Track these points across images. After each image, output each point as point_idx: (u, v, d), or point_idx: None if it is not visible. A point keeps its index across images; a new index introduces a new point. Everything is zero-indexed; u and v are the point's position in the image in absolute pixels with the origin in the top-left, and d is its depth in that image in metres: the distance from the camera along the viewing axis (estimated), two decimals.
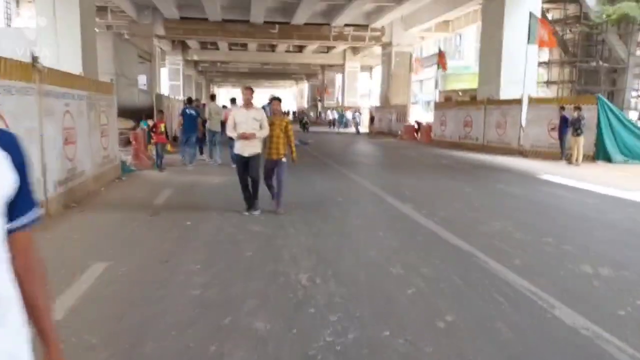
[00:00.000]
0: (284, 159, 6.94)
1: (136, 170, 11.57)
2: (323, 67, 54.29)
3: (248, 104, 6.82)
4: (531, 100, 17.51)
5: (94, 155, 8.82)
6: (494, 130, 19.34)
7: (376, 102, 51.18)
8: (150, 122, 12.78)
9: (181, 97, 40.73)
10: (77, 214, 6.84)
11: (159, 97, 18.31)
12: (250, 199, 6.92)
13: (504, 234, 5.90)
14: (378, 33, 33.81)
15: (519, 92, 17.97)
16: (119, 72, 22.17)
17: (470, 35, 53.44)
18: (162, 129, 11.82)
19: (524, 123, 17.49)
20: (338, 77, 54.57)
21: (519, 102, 17.73)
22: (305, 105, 67.82)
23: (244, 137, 6.65)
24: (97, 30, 26.17)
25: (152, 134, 11.79)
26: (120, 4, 28.52)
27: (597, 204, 8.18)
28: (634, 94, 22.64)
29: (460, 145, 20.92)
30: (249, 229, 6.04)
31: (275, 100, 7.25)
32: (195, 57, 47.45)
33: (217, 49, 44.77)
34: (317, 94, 60.35)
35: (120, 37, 24.09)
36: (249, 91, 6.90)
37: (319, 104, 57.89)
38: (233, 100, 13.94)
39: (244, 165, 6.77)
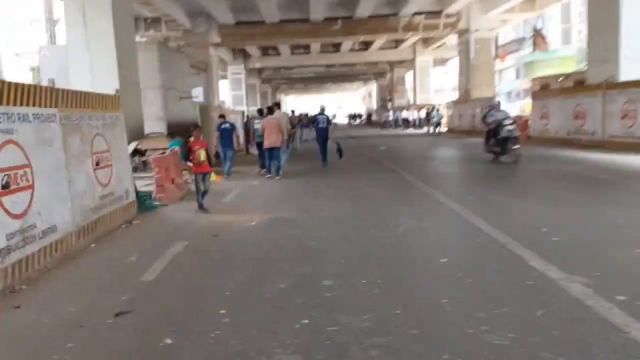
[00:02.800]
0: None
1: (161, 205, 8.93)
2: (392, 64, 50.65)
3: None
4: None
5: (77, 200, 6.18)
6: (617, 122, 15.11)
7: (451, 97, 46.86)
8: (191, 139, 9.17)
9: (244, 108, 38.95)
10: (9, 311, 4.13)
11: (204, 108, 15.82)
12: None
13: None
14: (453, 19, 29.89)
15: None
16: (168, 85, 20.09)
17: (555, 16, 47.91)
18: (202, 157, 8.21)
19: None
20: (408, 74, 50.69)
21: None
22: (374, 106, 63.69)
23: None
24: (142, 40, 24.57)
25: (190, 163, 8.58)
26: (172, 12, 26.82)
27: None
28: None
29: (571, 143, 16.82)
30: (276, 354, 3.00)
31: None
32: (257, 65, 45.58)
33: (279, 54, 42.59)
34: (387, 94, 56.76)
35: (167, 47, 22.11)
36: None
37: (389, 104, 54.26)
38: (260, 112, 12.00)
39: None
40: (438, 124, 28.62)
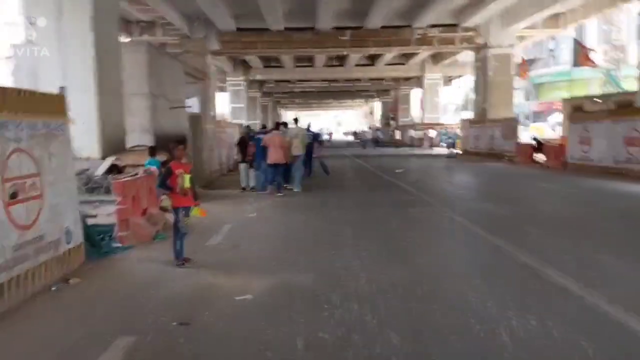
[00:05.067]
0: None
1: (122, 248, 6.49)
2: (397, 81, 48.64)
3: None
4: None
5: None
6: None
7: (457, 116, 44.81)
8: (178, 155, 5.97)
9: (244, 121, 36.59)
10: None
11: (196, 119, 13.46)
12: None
13: None
14: (471, 33, 27.80)
15: None
16: (157, 92, 17.68)
17: (568, 37, 46.17)
18: (186, 183, 5.71)
19: None
20: (414, 92, 48.70)
21: None
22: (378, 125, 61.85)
23: None
24: (126, 40, 22.26)
25: (169, 193, 6.03)
26: (168, 16, 24.61)
27: None
28: None
29: (620, 173, 14.47)
30: None
31: None
32: (259, 77, 43.43)
33: (282, 66, 40.44)
34: (390, 112, 54.77)
35: (159, 50, 19.76)
36: None
37: (393, 122, 52.25)
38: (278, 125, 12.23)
39: None
40: (452, 145, 26.37)
